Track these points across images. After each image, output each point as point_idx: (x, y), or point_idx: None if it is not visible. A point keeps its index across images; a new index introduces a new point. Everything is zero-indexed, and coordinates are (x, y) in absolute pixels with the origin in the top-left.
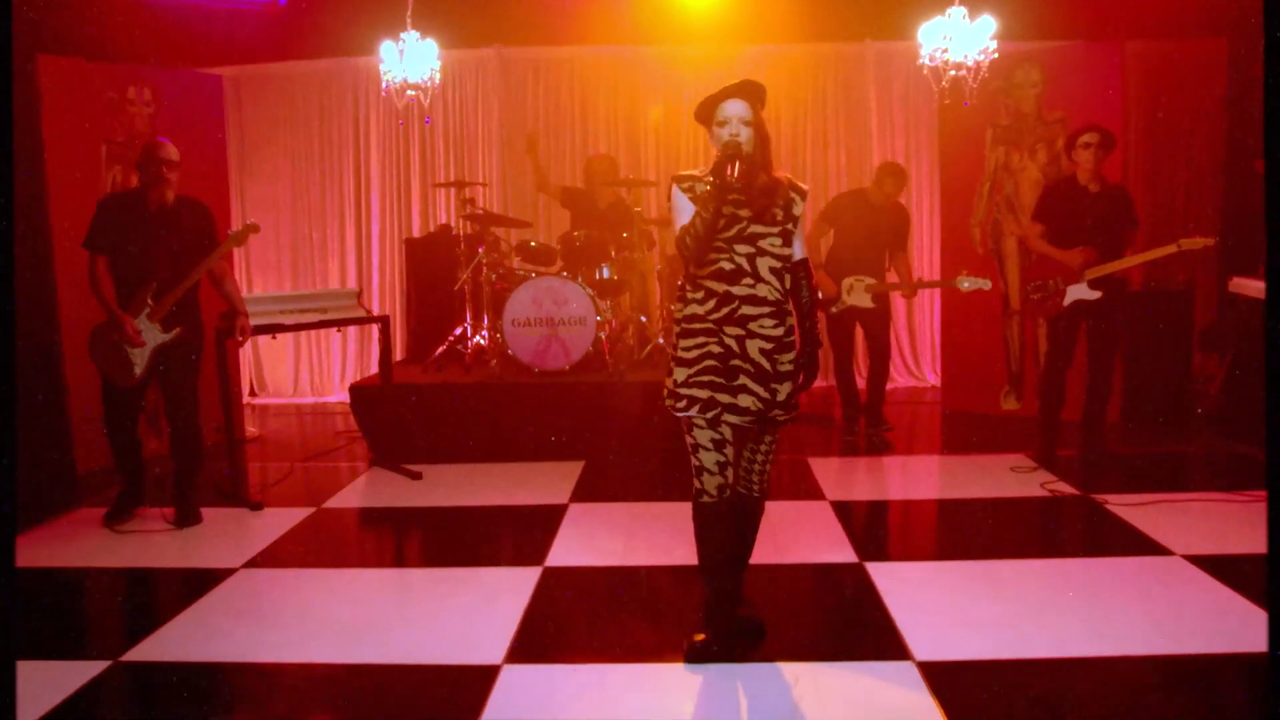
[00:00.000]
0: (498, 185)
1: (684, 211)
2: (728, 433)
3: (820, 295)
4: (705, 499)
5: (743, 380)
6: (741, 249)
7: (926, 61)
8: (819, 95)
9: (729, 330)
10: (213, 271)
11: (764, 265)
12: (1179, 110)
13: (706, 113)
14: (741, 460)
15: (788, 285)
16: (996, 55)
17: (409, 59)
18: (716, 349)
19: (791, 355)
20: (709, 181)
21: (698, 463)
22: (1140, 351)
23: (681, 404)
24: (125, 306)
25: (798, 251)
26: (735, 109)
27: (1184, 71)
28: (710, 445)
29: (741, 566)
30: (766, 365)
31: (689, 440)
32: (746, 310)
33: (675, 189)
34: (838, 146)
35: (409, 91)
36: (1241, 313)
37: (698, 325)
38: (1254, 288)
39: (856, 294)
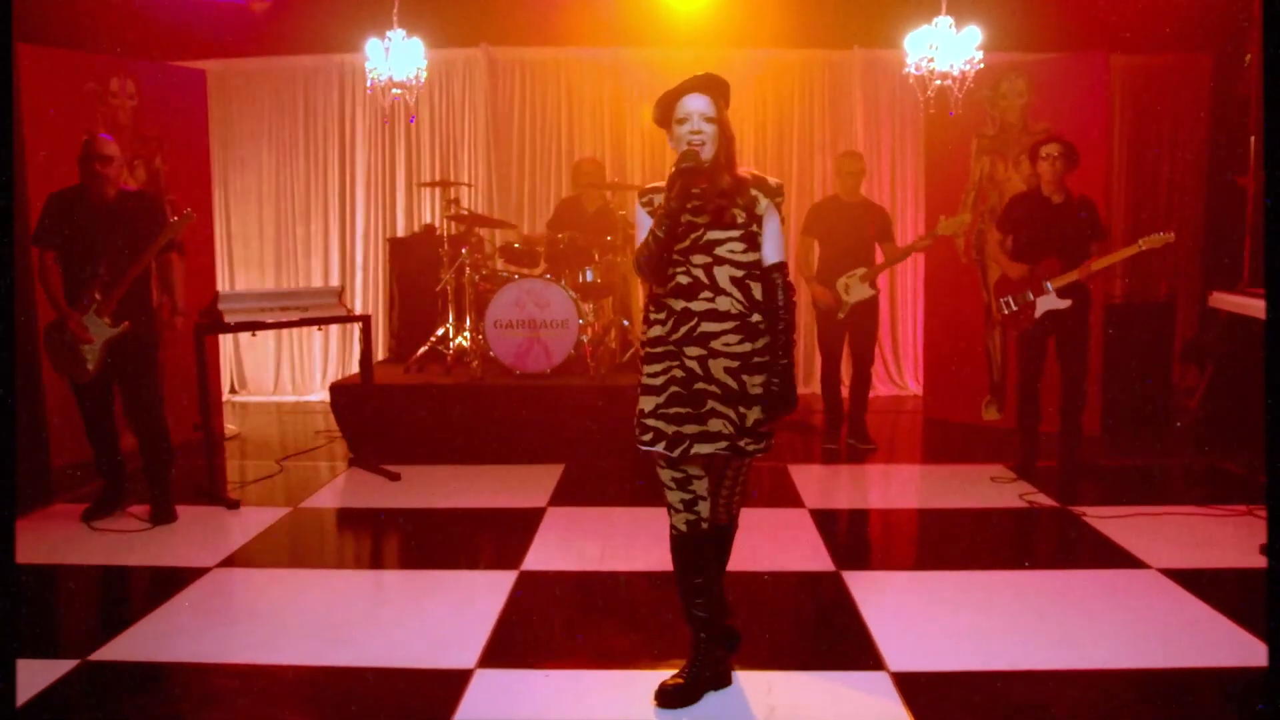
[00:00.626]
0: (483, 186)
1: (643, 227)
2: (693, 469)
3: (821, 307)
4: (673, 531)
5: (711, 405)
6: (698, 259)
7: (912, 71)
8: (806, 102)
9: (689, 351)
10: (159, 262)
11: (723, 275)
12: (1162, 124)
13: (665, 111)
14: (720, 495)
15: (756, 296)
16: (982, 65)
17: (395, 57)
18: (679, 373)
19: (762, 378)
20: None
21: (667, 499)
22: (1121, 364)
23: (647, 436)
24: (74, 302)
25: (769, 255)
26: (697, 105)
27: (1168, 86)
28: (673, 485)
29: (718, 593)
30: (734, 385)
31: (668, 492)
32: (707, 327)
33: (638, 204)
34: (824, 153)
35: (394, 90)
36: (1222, 327)
37: (660, 349)
38: (1233, 302)
39: (855, 289)
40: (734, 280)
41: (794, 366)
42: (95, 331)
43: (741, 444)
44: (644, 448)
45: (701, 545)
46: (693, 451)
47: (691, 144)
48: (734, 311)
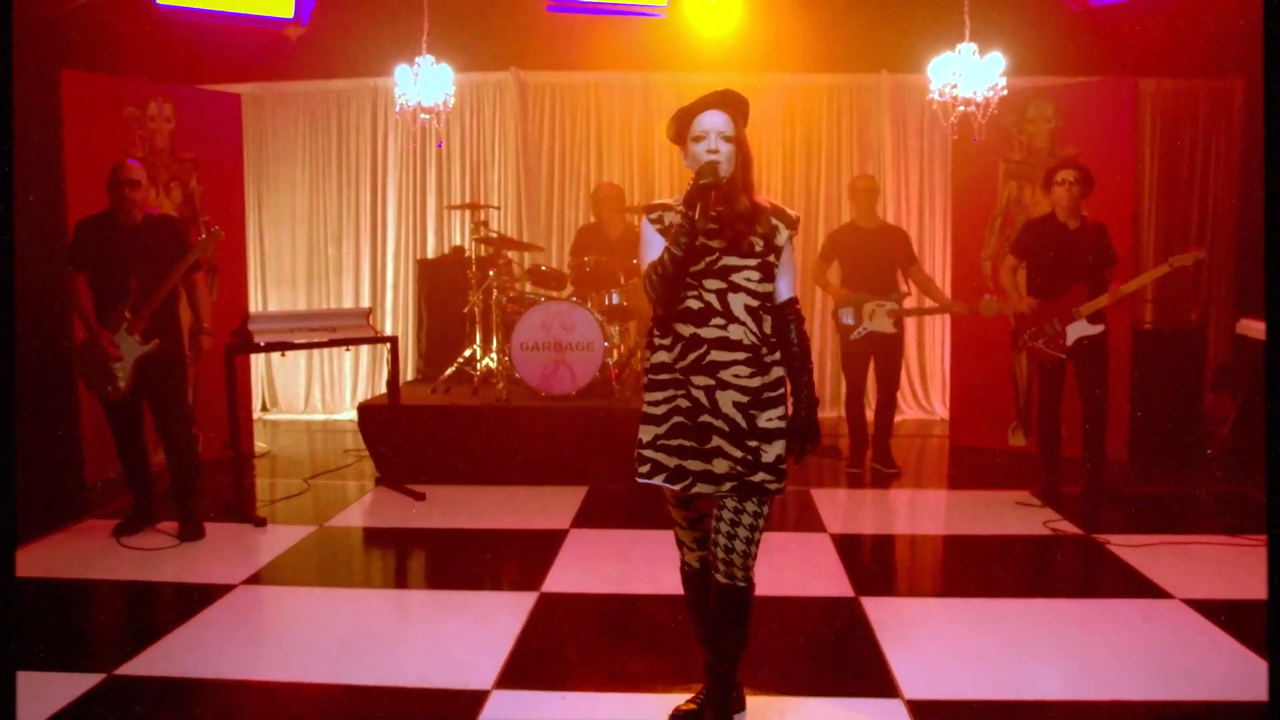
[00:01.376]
0: (512, 208)
1: (653, 246)
2: (705, 508)
3: (838, 319)
4: (684, 568)
5: (716, 442)
6: (711, 284)
7: (936, 97)
8: (834, 126)
9: (697, 380)
10: (185, 282)
11: (738, 303)
12: (1194, 148)
13: (681, 127)
14: (720, 538)
15: (767, 328)
16: (1005, 92)
17: (423, 82)
18: (684, 403)
19: (779, 411)
20: (680, 211)
21: (677, 537)
22: (1151, 390)
23: (645, 468)
24: (104, 323)
25: (784, 291)
26: (714, 122)
27: (1199, 110)
28: (685, 524)
29: (728, 656)
30: (742, 422)
31: (679, 530)
32: (716, 356)
33: (645, 222)
34: (852, 177)
35: (422, 115)
36: (1254, 354)
37: (665, 376)
38: (1262, 329)
39: (879, 319)
40: (748, 310)
41: (817, 398)
42: (126, 349)
43: (756, 479)
44: (642, 480)
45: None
46: (694, 490)
47: (710, 160)
48: (746, 342)
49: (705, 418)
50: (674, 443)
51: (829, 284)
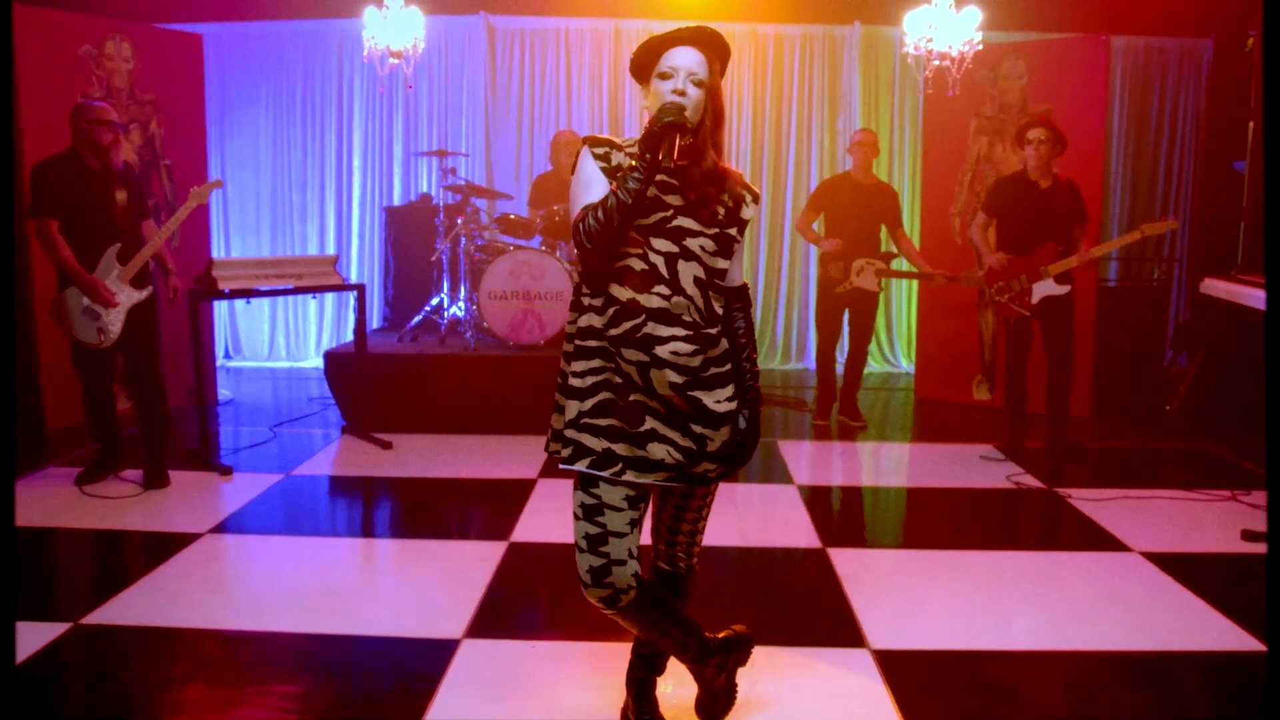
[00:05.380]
0: (481, 155)
1: (593, 187)
2: (612, 496)
3: (827, 270)
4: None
5: (651, 425)
6: (661, 245)
7: (911, 50)
8: (805, 78)
9: (628, 354)
10: (142, 229)
11: (687, 273)
12: (1162, 107)
13: (646, 60)
14: (662, 529)
15: (716, 308)
16: (981, 47)
17: (392, 25)
18: (615, 379)
19: (728, 391)
20: (631, 153)
21: (578, 553)
22: (1113, 347)
23: (567, 451)
24: (88, 269)
25: (737, 275)
26: (686, 59)
27: (1168, 69)
28: (579, 512)
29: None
30: (681, 404)
31: (575, 522)
32: (654, 329)
33: (585, 153)
34: (822, 131)
35: (391, 59)
36: (1214, 312)
37: (593, 343)
38: (1225, 289)
39: (865, 277)
40: (698, 282)
41: (762, 398)
42: (120, 296)
43: (700, 471)
44: (563, 465)
45: (648, 602)
46: (626, 477)
47: (674, 99)
48: (688, 318)
49: (637, 397)
50: (601, 422)
51: (814, 234)
